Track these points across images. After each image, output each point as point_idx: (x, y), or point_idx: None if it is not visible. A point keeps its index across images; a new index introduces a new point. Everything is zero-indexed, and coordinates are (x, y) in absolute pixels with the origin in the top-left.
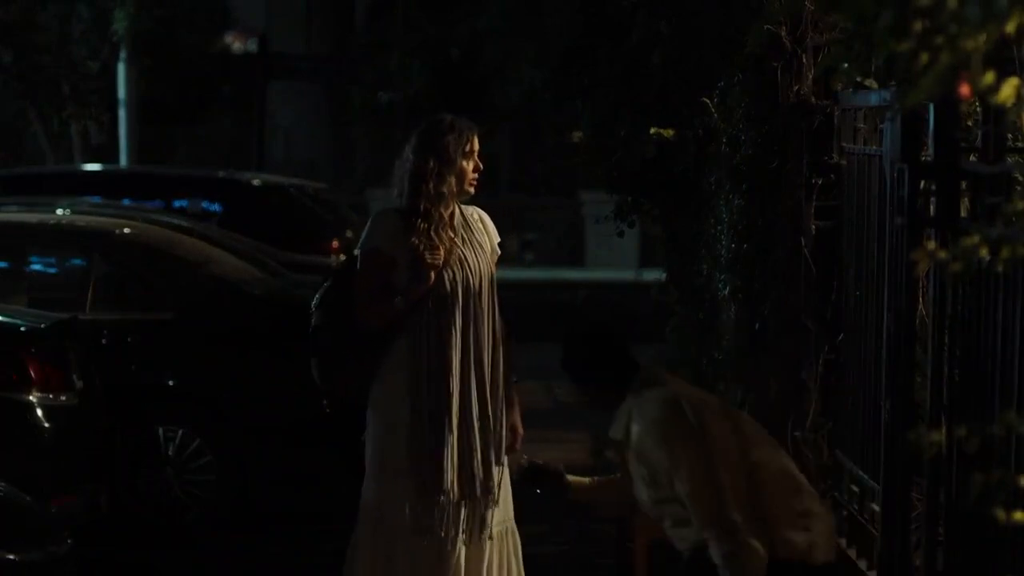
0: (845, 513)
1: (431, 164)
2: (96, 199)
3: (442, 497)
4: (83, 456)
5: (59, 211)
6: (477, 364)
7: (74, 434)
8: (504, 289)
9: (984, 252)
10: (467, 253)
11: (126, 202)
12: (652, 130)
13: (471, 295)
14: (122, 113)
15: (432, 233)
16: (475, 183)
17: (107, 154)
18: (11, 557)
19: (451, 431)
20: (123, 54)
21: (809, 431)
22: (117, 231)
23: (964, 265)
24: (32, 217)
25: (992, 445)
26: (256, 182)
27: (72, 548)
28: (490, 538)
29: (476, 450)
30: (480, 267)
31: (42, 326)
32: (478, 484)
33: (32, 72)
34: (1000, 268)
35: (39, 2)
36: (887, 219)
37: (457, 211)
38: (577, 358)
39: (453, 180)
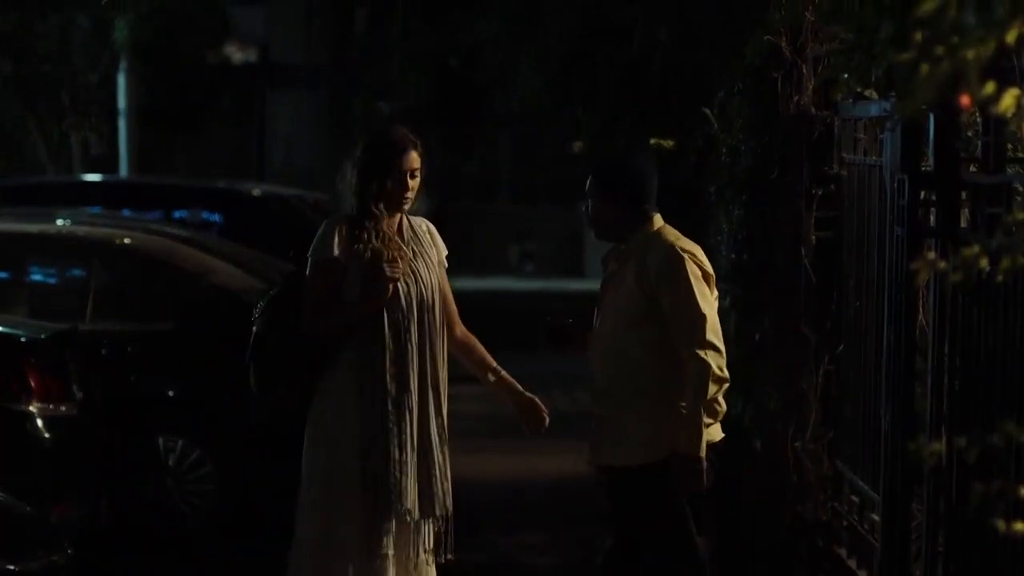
0: (845, 523)
1: (371, 176)
2: (96, 209)
3: (407, 518)
4: (83, 466)
5: (59, 221)
6: (433, 380)
7: (74, 444)
8: (504, 298)
9: (984, 262)
10: (418, 266)
11: (126, 212)
12: (652, 140)
13: (425, 309)
14: (122, 123)
15: (380, 245)
16: (409, 199)
17: (107, 164)
18: (11, 567)
19: (412, 449)
20: (123, 63)
21: (809, 441)
22: (117, 241)
23: (964, 275)
24: (32, 227)
25: (992, 455)
26: (256, 192)
27: (72, 557)
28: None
29: (436, 468)
30: (431, 280)
31: (42, 336)
32: (437, 504)
33: (32, 81)
34: (1000, 278)
35: (39, 11)
36: (887, 229)
37: (405, 222)
38: (623, 174)
39: (389, 195)
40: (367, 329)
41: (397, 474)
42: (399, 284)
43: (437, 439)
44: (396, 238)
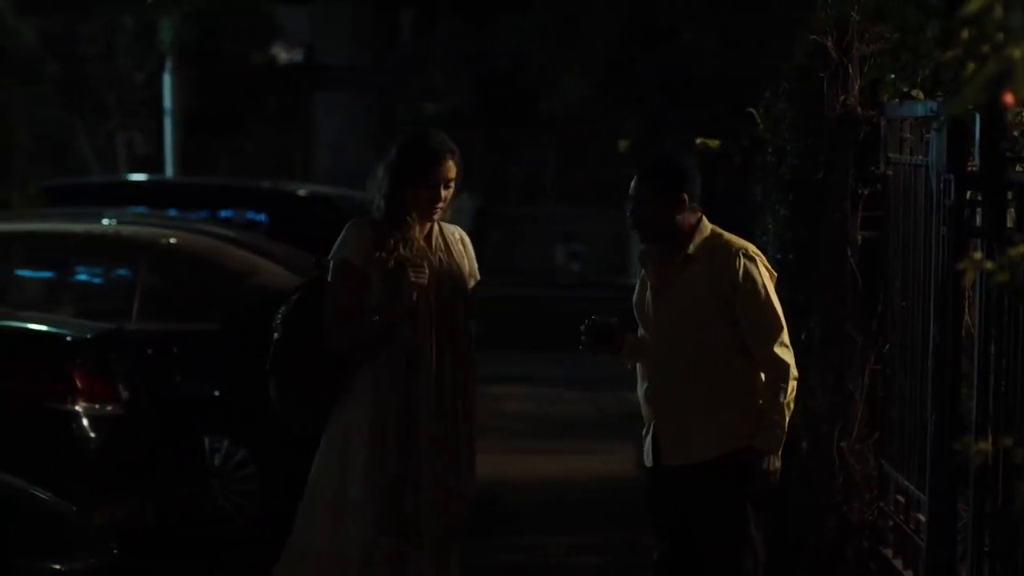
0: (891, 523)
1: (404, 183)
2: (141, 209)
3: (417, 536)
4: (129, 466)
5: (105, 221)
6: (453, 391)
7: (119, 444)
8: (550, 300)
9: None
10: (444, 275)
11: (172, 212)
12: (698, 140)
13: (445, 320)
14: (167, 123)
15: (406, 251)
16: (441, 208)
17: (152, 164)
18: (56, 567)
19: (427, 467)
20: (169, 65)
21: (855, 441)
22: (163, 241)
23: (1010, 275)
24: (78, 227)
25: None
26: (302, 192)
27: (117, 558)
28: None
29: (453, 485)
30: (456, 290)
31: (88, 336)
32: (436, 520)
33: (78, 83)
34: None
35: (84, 13)
36: (933, 229)
37: (436, 230)
38: (671, 173)
39: (420, 203)
40: (386, 341)
41: (414, 490)
42: (422, 294)
43: (449, 456)
44: (423, 245)
